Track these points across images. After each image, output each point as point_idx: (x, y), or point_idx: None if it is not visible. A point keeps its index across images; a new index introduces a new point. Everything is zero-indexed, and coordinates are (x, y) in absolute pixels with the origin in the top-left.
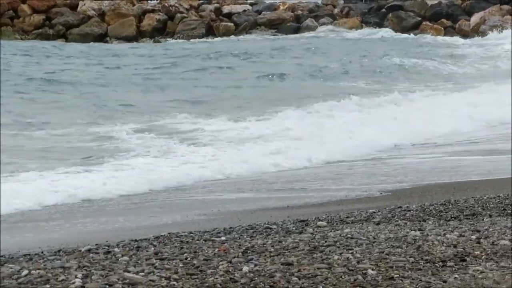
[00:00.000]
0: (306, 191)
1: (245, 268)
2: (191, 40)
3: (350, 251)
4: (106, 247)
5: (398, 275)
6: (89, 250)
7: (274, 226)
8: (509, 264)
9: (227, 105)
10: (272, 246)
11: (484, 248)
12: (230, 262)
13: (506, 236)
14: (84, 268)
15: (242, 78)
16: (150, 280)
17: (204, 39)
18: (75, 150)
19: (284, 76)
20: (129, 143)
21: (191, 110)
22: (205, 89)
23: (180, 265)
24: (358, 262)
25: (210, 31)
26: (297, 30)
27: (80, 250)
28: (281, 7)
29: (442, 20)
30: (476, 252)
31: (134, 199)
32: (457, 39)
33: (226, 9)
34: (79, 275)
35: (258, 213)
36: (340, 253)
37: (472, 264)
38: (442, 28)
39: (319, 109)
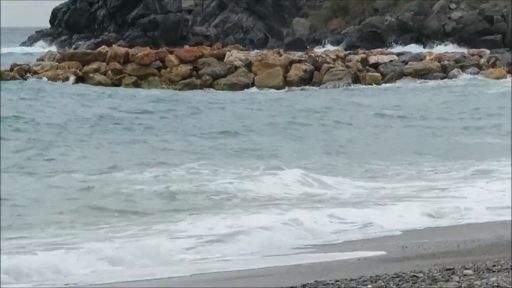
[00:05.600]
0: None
1: None
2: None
3: None
4: None
5: None
6: None
7: (421, 275)
8: None
9: None
10: None
11: None
12: None
13: None
14: None
15: None
16: None
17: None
18: None
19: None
20: None
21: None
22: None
23: None
24: None
25: (357, 81)
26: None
27: None
28: (428, 57)
29: None
30: None
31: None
32: None
33: (372, 59)
34: None
35: (405, 261)
36: None
37: None
38: None
39: None
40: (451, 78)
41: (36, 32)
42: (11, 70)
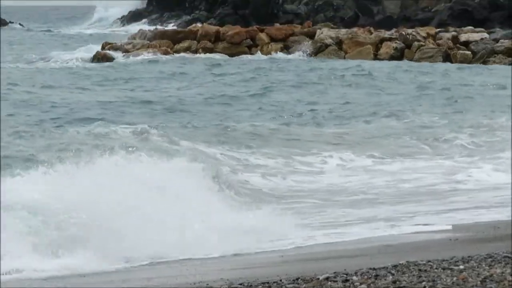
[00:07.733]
0: None
1: None
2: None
3: None
4: (344, 275)
5: None
6: (327, 278)
7: None
8: None
9: None
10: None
11: None
12: None
13: None
14: None
15: None
16: None
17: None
18: None
19: None
20: None
21: None
22: None
23: None
24: None
25: (448, 59)
26: None
27: (318, 278)
28: None
29: None
30: None
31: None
32: None
33: (463, 37)
34: None
35: (497, 242)
36: None
37: None
38: None
39: None
40: None
41: (129, 12)
42: (103, 48)
